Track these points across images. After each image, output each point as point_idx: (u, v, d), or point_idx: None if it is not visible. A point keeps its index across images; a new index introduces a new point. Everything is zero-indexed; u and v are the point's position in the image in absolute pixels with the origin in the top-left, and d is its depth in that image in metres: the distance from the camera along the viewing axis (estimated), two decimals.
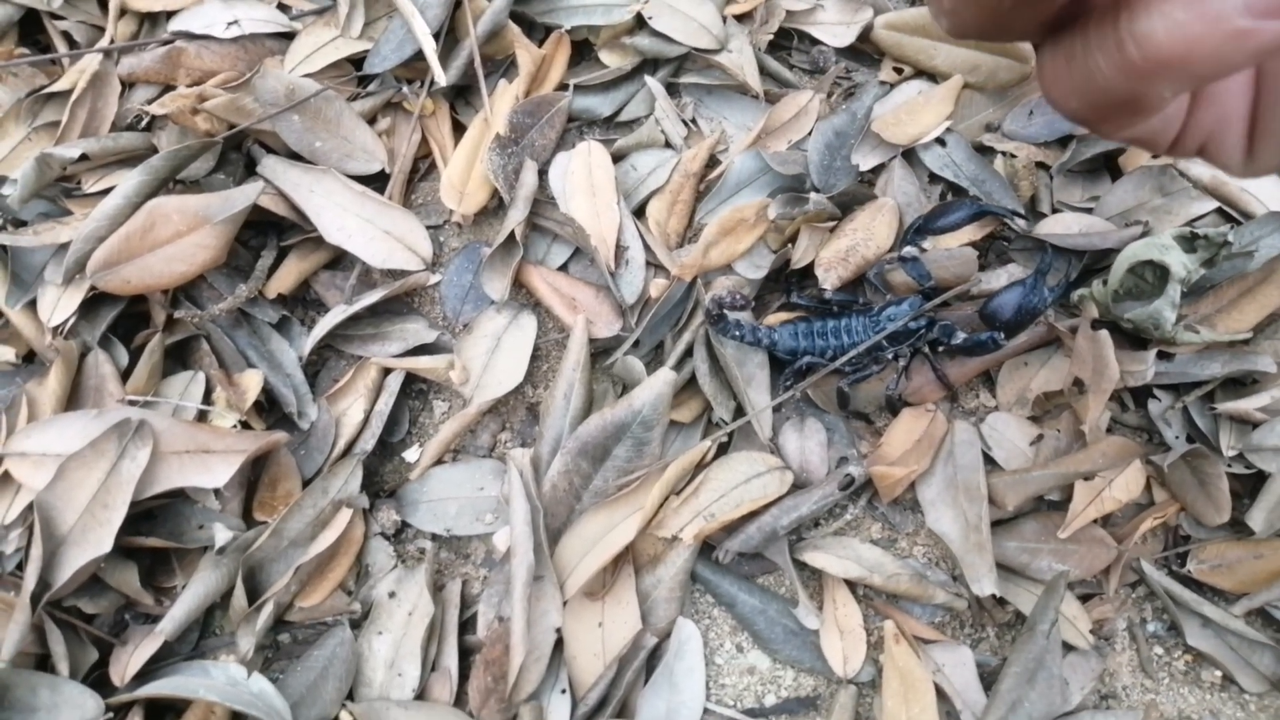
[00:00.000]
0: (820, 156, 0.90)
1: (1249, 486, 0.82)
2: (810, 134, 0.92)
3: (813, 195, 0.86)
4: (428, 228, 0.89)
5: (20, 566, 0.75)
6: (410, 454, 0.85)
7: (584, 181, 0.89)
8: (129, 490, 0.72)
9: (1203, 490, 0.81)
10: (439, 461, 0.84)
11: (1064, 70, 0.28)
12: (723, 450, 0.84)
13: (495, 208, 0.91)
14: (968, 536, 0.79)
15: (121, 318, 0.83)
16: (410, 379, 0.87)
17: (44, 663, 0.74)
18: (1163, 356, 0.84)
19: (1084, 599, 0.82)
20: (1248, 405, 0.82)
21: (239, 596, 0.75)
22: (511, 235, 0.86)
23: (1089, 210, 0.90)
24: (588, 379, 0.84)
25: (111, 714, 0.71)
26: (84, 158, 0.82)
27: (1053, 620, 0.77)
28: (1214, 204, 0.88)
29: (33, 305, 0.80)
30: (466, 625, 0.80)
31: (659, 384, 0.81)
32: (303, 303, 0.90)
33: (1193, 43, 0.24)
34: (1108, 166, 0.93)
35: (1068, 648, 0.79)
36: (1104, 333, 0.80)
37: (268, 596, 0.75)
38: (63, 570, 0.71)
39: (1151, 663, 0.81)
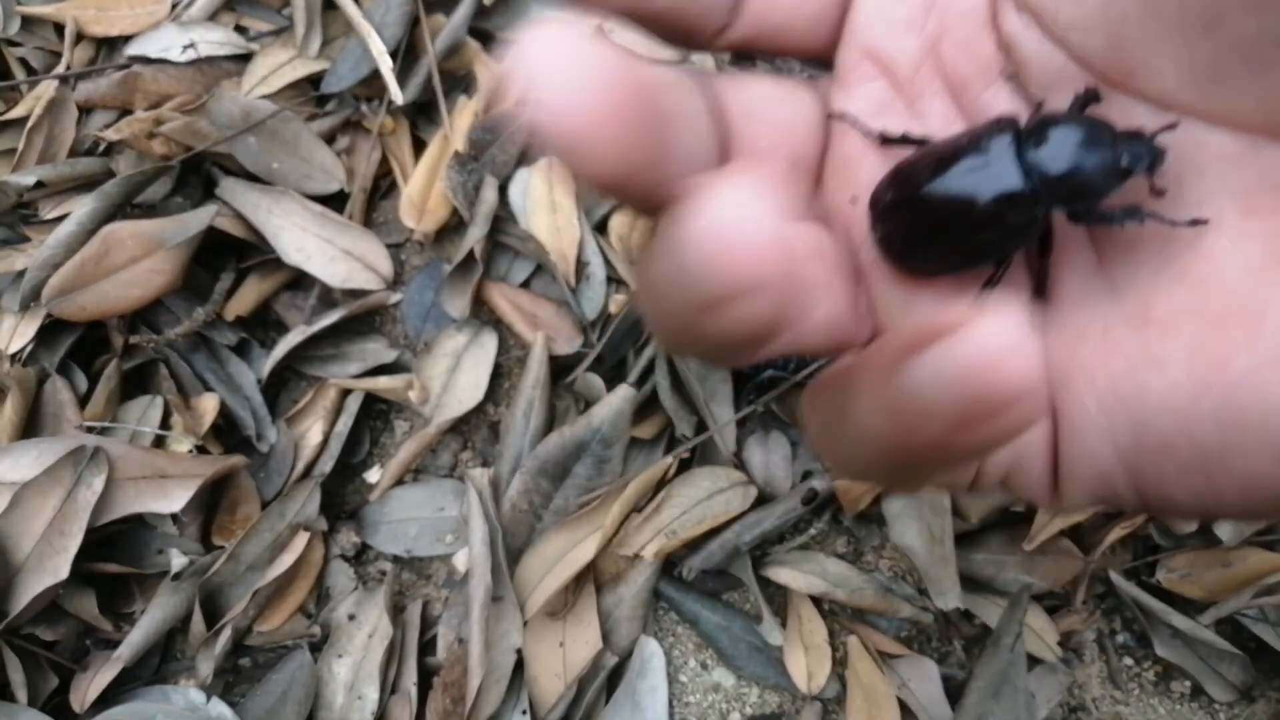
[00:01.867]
0: None
1: None
2: None
3: None
4: (388, 246, 0.89)
5: None
6: (371, 475, 0.85)
7: (544, 197, 0.89)
8: (85, 517, 0.72)
9: None
10: (399, 482, 0.84)
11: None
12: (685, 466, 0.84)
13: (456, 225, 0.91)
14: (932, 550, 0.78)
15: (80, 343, 0.83)
16: (371, 399, 0.86)
17: (3, 691, 0.74)
18: None
19: (1051, 611, 0.81)
20: None
21: (197, 621, 0.75)
22: (471, 253, 0.85)
23: None
24: (548, 397, 0.83)
25: None
26: (40, 184, 0.82)
27: (1017, 634, 0.76)
28: None
29: None
30: (428, 647, 0.79)
31: (618, 401, 0.80)
32: (263, 324, 0.89)
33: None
34: None
35: (1035, 660, 0.78)
36: None
37: (226, 621, 0.75)
38: (19, 598, 0.71)
39: (1121, 674, 0.80)
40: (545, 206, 0.88)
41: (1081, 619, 0.81)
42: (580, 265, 0.87)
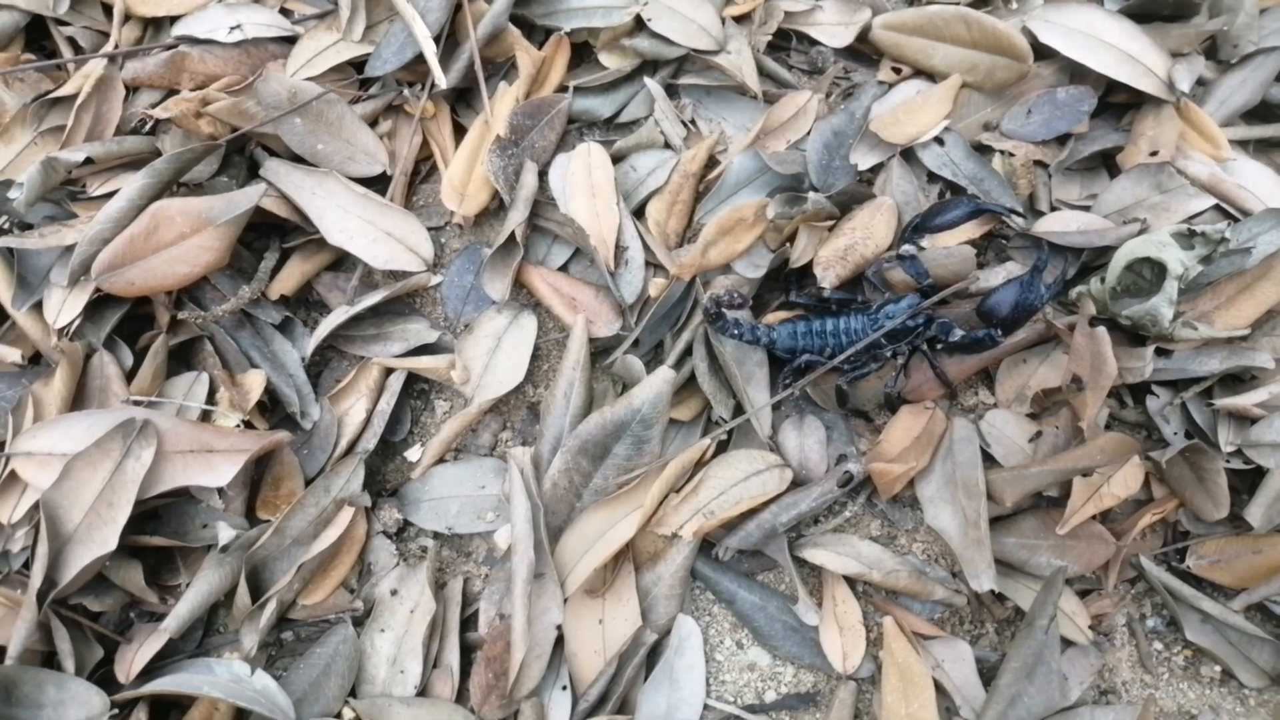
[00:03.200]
0: (819, 156, 0.91)
1: (1247, 482, 0.82)
2: (809, 134, 0.93)
3: (811, 194, 0.86)
4: (429, 229, 0.90)
5: (26, 565, 0.76)
6: (412, 453, 0.86)
7: (584, 182, 0.90)
8: (134, 489, 0.73)
9: (1201, 486, 0.81)
10: (440, 460, 0.85)
11: None
12: (722, 448, 0.85)
13: (496, 209, 0.92)
14: (966, 533, 0.79)
15: (126, 319, 0.83)
16: (412, 379, 0.87)
17: (50, 660, 0.75)
18: (1161, 353, 0.84)
19: (1083, 595, 0.82)
20: (1246, 401, 0.82)
21: (242, 594, 0.76)
22: (512, 236, 0.86)
23: (1087, 208, 0.90)
24: (588, 378, 0.84)
25: (117, 710, 0.72)
26: (89, 161, 0.83)
27: (1051, 616, 0.77)
28: (1212, 201, 0.88)
29: (38, 307, 0.81)
30: (468, 622, 0.80)
31: (658, 382, 0.81)
32: (305, 304, 0.90)
33: None
34: (1105, 164, 0.93)
35: (1067, 643, 0.79)
36: (1102, 329, 0.80)
37: (271, 594, 0.76)
38: (68, 568, 0.72)
39: (1151, 658, 0.81)
40: (585, 191, 0.89)
41: (1113, 603, 0.82)
42: (619, 249, 0.88)
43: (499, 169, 0.88)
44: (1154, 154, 0.89)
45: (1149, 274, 0.83)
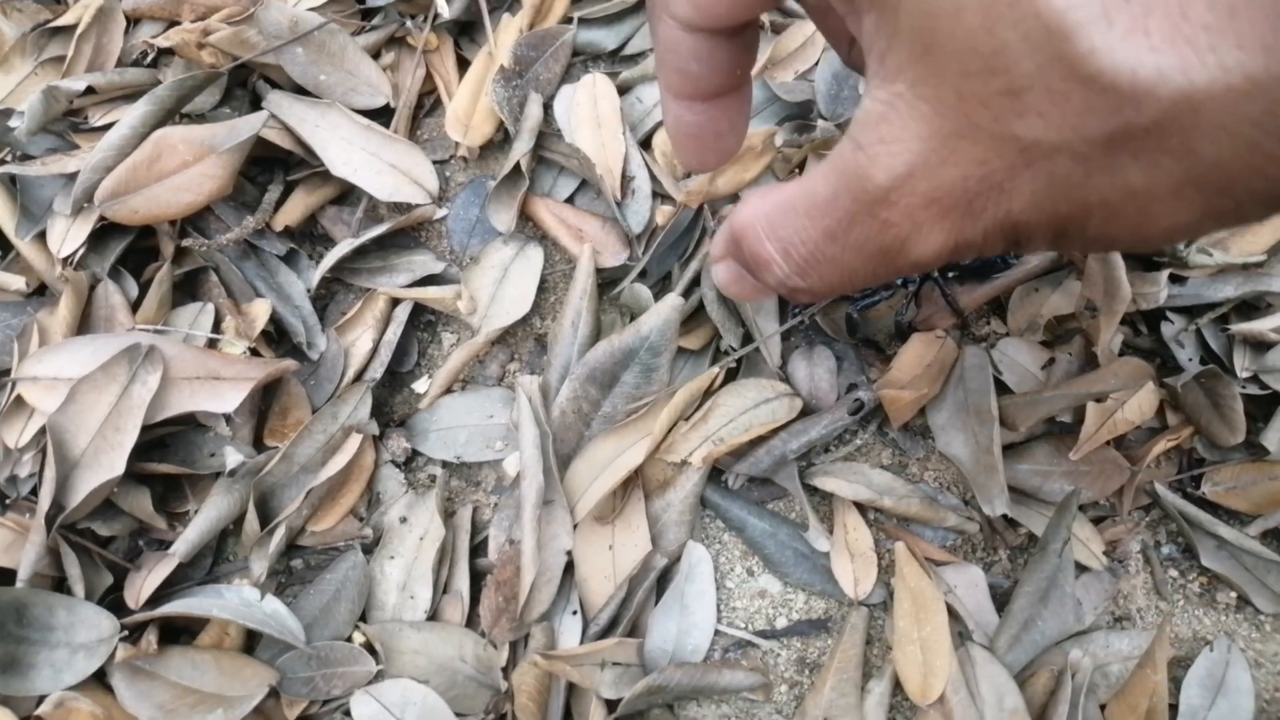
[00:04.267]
0: (827, 86, 0.90)
1: (1263, 409, 0.81)
2: (816, 64, 0.91)
3: (820, 123, 0.85)
4: (433, 163, 0.89)
5: (34, 492, 0.76)
6: (419, 385, 0.85)
7: (589, 113, 0.89)
8: (140, 414, 0.73)
9: (1217, 412, 0.80)
10: (448, 391, 0.84)
11: None
12: (731, 377, 0.84)
13: (500, 142, 0.91)
14: (979, 459, 0.78)
15: (130, 251, 0.83)
16: (418, 311, 0.87)
17: (59, 586, 0.75)
18: (1175, 280, 0.83)
19: (1097, 521, 0.81)
20: (1262, 327, 0.81)
21: (251, 520, 0.75)
22: (517, 167, 0.85)
23: None
24: (595, 308, 0.84)
25: (127, 633, 0.72)
26: (90, 90, 0.82)
27: (1065, 539, 0.76)
28: None
29: (42, 237, 0.80)
30: (477, 550, 0.80)
31: (666, 310, 0.81)
32: (309, 238, 0.90)
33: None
34: None
35: (1081, 568, 0.79)
36: (1116, 254, 0.79)
37: (280, 520, 0.76)
38: (76, 493, 0.72)
39: (1166, 585, 0.81)
40: (590, 122, 0.88)
41: (1127, 529, 0.81)
42: (625, 180, 0.87)
43: (503, 99, 0.87)
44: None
45: None
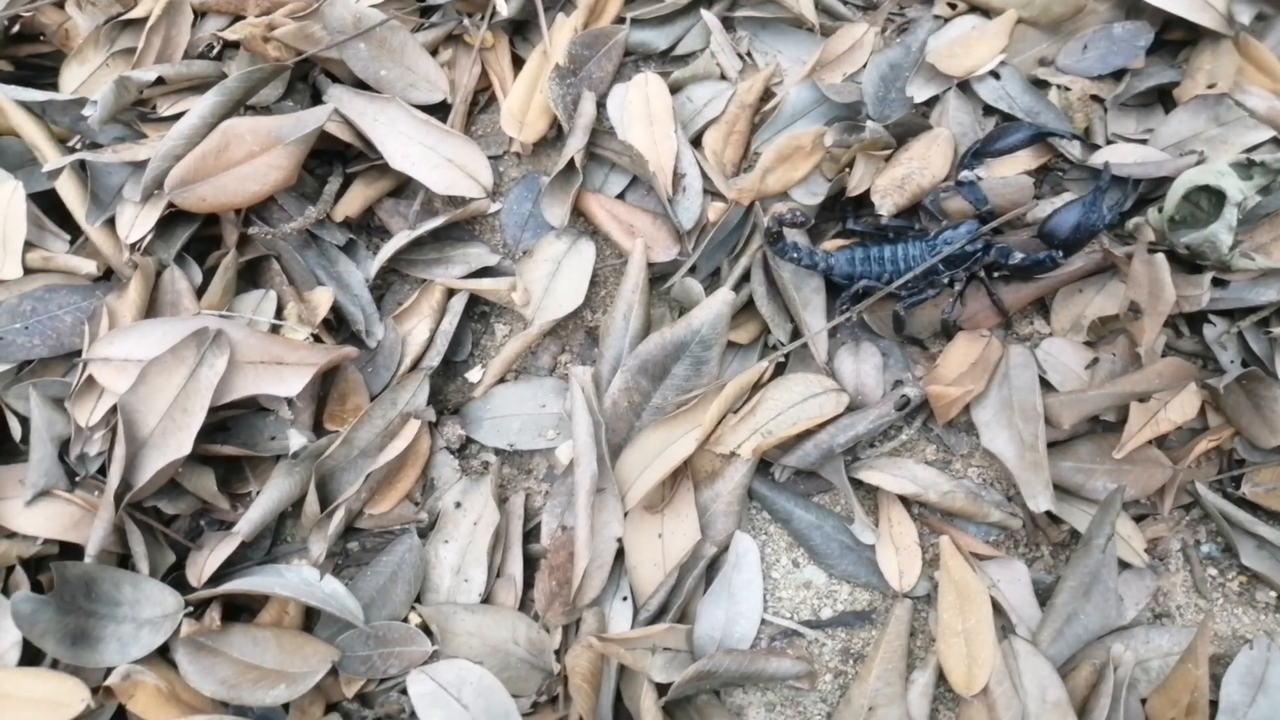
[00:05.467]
0: (875, 88, 0.91)
1: None
2: (865, 66, 0.93)
3: (869, 123, 0.87)
4: (488, 158, 0.91)
5: (102, 470, 0.78)
6: (473, 375, 0.87)
7: (642, 111, 0.91)
8: (207, 395, 0.75)
9: (1258, 413, 0.81)
10: (501, 381, 0.86)
11: None
12: (779, 372, 0.85)
13: (553, 139, 0.93)
14: (1023, 455, 0.80)
15: (194, 240, 0.85)
16: (471, 303, 0.89)
17: (124, 562, 0.77)
18: (1217, 284, 0.84)
19: (1138, 519, 0.83)
20: None
21: (311, 502, 0.77)
22: (571, 162, 0.87)
23: (1143, 142, 0.90)
24: (646, 301, 0.85)
25: (191, 609, 0.74)
26: (160, 81, 0.84)
27: (1109, 535, 0.77)
28: (1270, 133, 0.88)
29: (111, 223, 0.83)
30: (529, 535, 0.81)
31: (717, 304, 0.82)
32: (367, 229, 0.92)
33: None
34: (1161, 100, 0.93)
35: (1123, 565, 0.80)
36: (1160, 256, 0.80)
37: (339, 503, 0.78)
38: (144, 471, 0.74)
39: (1205, 583, 0.82)
40: (643, 120, 0.90)
41: (1168, 528, 0.82)
42: (677, 176, 0.89)
43: (558, 97, 0.89)
44: (1211, 87, 0.89)
45: (1207, 205, 0.83)
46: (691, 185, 0.89)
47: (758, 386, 0.84)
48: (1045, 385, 0.83)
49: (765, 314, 0.84)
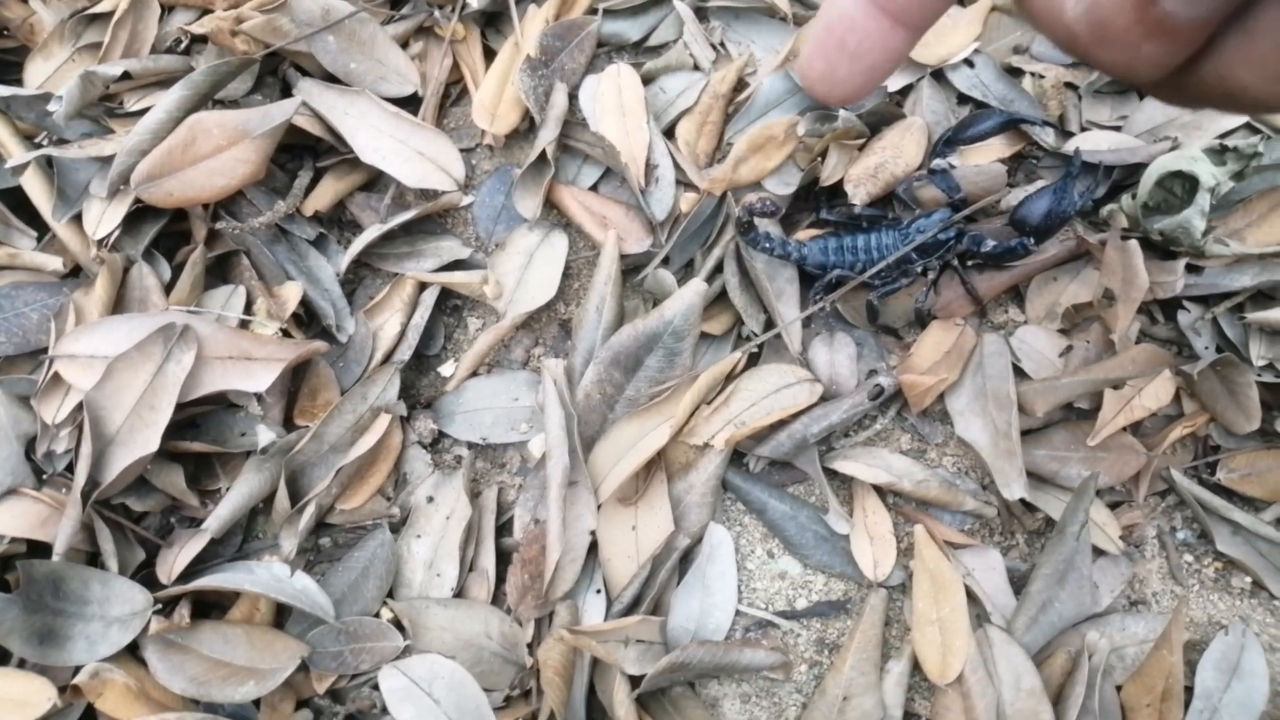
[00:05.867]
0: None
1: (1278, 396, 0.82)
2: None
3: (841, 113, 0.86)
4: (460, 150, 0.90)
5: (69, 468, 0.77)
6: (445, 369, 0.87)
7: (614, 102, 0.90)
8: (174, 392, 0.74)
9: (1232, 399, 0.81)
10: (474, 374, 0.86)
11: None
12: (753, 363, 0.85)
13: (525, 130, 0.92)
14: (997, 443, 0.79)
15: (162, 235, 0.84)
16: (444, 297, 0.88)
17: (93, 560, 0.76)
18: (1191, 270, 0.84)
19: (1113, 506, 0.82)
20: (1278, 315, 0.82)
21: (282, 498, 0.77)
22: (543, 154, 0.87)
23: (1117, 129, 0.90)
24: (619, 293, 0.85)
25: (160, 606, 0.73)
26: (126, 76, 0.83)
27: (1083, 522, 0.77)
28: (1243, 119, 0.88)
29: (78, 219, 0.82)
30: (502, 530, 0.81)
31: (690, 294, 0.82)
32: (338, 224, 0.91)
33: None
34: (1136, 88, 0.93)
35: (1098, 552, 0.80)
36: (1134, 242, 0.80)
37: (310, 498, 0.77)
38: (111, 468, 0.73)
39: (1181, 569, 0.82)
40: (615, 111, 0.90)
41: (1143, 514, 0.82)
42: (649, 168, 0.88)
43: (530, 88, 0.88)
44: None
45: (1180, 191, 0.83)
46: (664, 176, 0.88)
47: (731, 377, 0.83)
48: (1019, 373, 0.83)
49: (738, 304, 0.84)
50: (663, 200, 0.88)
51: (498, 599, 0.78)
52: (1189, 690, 0.76)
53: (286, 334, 0.81)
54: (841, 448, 0.84)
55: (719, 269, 0.86)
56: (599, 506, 0.79)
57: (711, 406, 0.82)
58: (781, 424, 0.82)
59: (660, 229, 0.87)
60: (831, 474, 0.83)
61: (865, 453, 0.83)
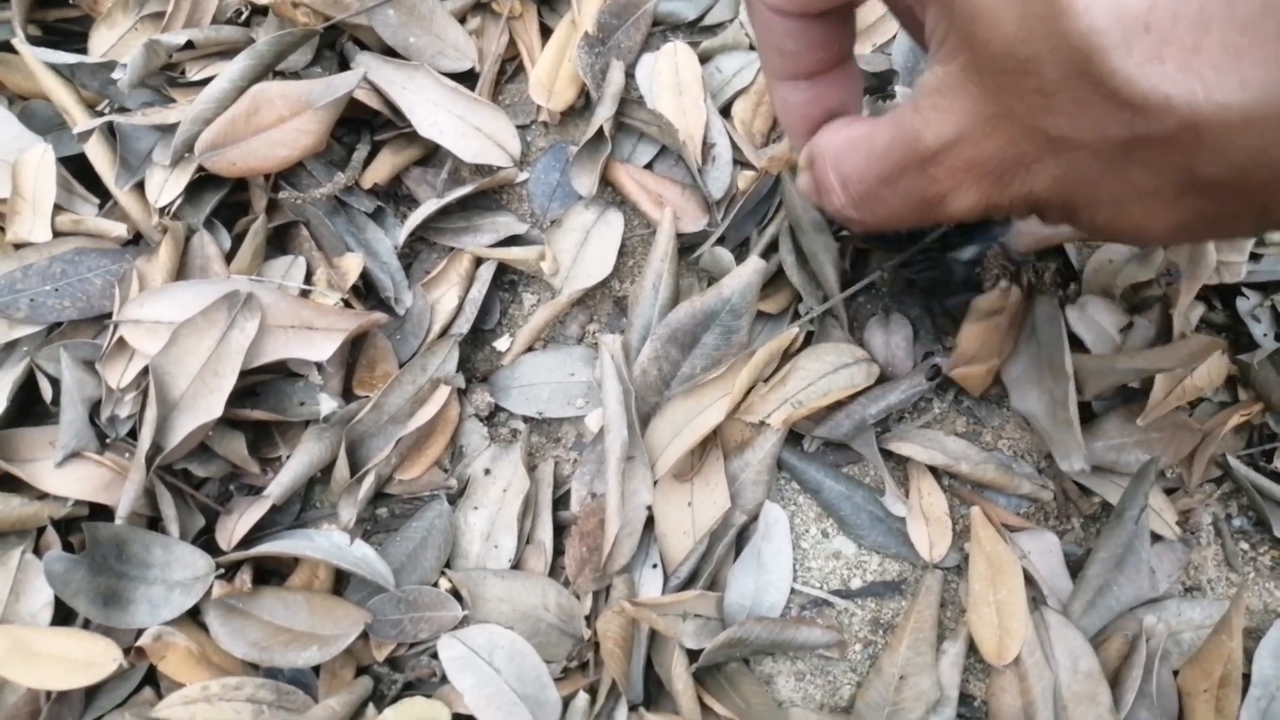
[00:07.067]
0: (905, 57, 0.91)
1: None
2: (894, 37, 0.92)
3: (900, 90, 0.86)
4: (516, 127, 0.91)
5: (131, 434, 0.77)
6: (501, 343, 0.87)
7: (671, 81, 0.90)
8: (239, 358, 0.74)
9: None
10: (529, 349, 0.86)
11: None
12: (809, 343, 0.85)
13: (581, 108, 0.92)
14: (1054, 414, 0.79)
15: (222, 205, 0.85)
16: (499, 272, 0.88)
17: (153, 525, 0.76)
18: (1252, 257, 0.83)
19: (1169, 492, 0.82)
20: None
21: (341, 467, 0.77)
22: (600, 131, 0.87)
23: None
24: (675, 270, 0.85)
25: (222, 571, 0.74)
26: (189, 45, 0.84)
27: (1142, 506, 0.77)
28: None
29: (140, 187, 0.82)
30: (558, 503, 0.81)
31: (748, 272, 0.82)
32: (394, 197, 0.91)
33: None
34: None
35: (1155, 537, 0.80)
36: None
37: (369, 468, 0.77)
38: (174, 434, 0.74)
39: (1237, 557, 0.81)
40: (672, 89, 0.90)
41: (1199, 500, 0.82)
42: (706, 146, 0.88)
43: (587, 65, 0.88)
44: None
45: None
46: (721, 155, 0.88)
47: (788, 355, 0.83)
48: (1076, 344, 0.82)
49: (796, 283, 0.84)
50: (719, 179, 0.88)
51: (555, 571, 0.78)
52: (1246, 678, 0.76)
53: (347, 305, 0.81)
54: (897, 429, 0.84)
55: (775, 247, 0.86)
56: (655, 482, 0.79)
57: (768, 385, 0.82)
58: (838, 405, 0.81)
59: (716, 208, 0.87)
60: (887, 455, 0.83)
61: (921, 434, 0.83)
